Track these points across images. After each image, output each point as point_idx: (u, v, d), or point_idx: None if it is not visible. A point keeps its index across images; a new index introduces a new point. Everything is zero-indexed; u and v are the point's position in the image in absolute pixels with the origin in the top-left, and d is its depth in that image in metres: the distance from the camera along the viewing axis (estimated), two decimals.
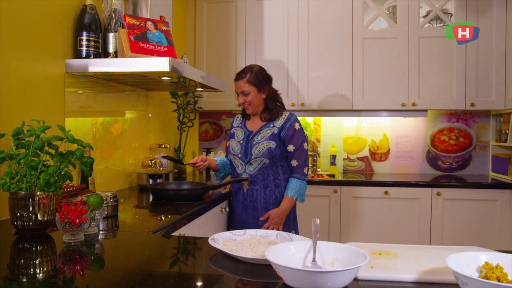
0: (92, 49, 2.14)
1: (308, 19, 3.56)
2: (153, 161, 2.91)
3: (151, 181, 2.67)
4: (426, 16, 3.48)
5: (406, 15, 3.43)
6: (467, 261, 1.04)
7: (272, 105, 2.44)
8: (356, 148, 3.91)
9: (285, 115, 2.43)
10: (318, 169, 3.88)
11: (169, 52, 2.25)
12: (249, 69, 2.42)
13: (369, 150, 3.88)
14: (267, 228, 2.36)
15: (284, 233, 1.43)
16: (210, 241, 1.32)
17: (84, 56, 2.13)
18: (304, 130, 2.49)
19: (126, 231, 1.69)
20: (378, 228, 3.24)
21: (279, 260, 1.02)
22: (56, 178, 1.49)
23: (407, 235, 3.20)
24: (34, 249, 1.41)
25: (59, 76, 2.07)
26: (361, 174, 3.74)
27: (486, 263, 1.03)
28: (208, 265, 1.24)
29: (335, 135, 3.92)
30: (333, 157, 3.85)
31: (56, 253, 1.37)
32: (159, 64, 2.01)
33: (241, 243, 1.35)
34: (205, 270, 1.22)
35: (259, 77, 2.39)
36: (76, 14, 2.16)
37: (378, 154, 3.87)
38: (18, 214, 1.45)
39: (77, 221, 1.39)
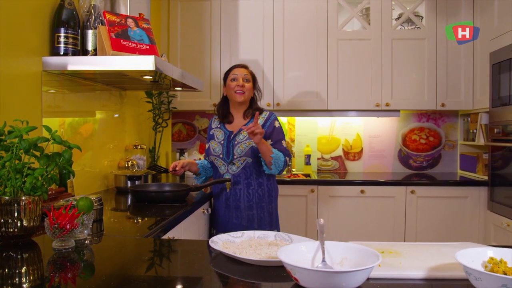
0: (71, 46, 2.05)
1: (283, 19, 3.57)
2: (129, 163, 2.83)
3: (129, 183, 2.58)
4: (398, 18, 3.57)
5: (380, 17, 3.50)
6: (473, 256, 1.06)
7: (256, 105, 2.54)
8: (330, 147, 3.96)
9: (265, 114, 2.49)
10: (293, 169, 3.90)
11: (151, 50, 2.19)
12: (248, 66, 2.54)
13: (343, 149, 3.94)
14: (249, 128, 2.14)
15: (283, 233, 1.42)
16: (212, 244, 1.29)
17: (62, 53, 2.03)
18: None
19: (117, 236, 1.63)
20: (355, 226, 3.29)
21: (291, 262, 1.01)
22: (43, 181, 1.41)
23: (382, 232, 3.27)
24: (20, 257, 1.33)
25: (36, 74, 1.96)
26: (335, 174, 3.79)
27: (491, 258, 1.06)
28: (212, 268, 1.21)
29: (309, 135, 3.95)
30: (308, 156, 3.88)
31: (45, 261, 1.30)
32: (144, 63, 1.95)
33: (241, 244, 1.33)
34: (212, 274, 1.18)
35: (255, 76, 2.53)
36: (53, 9, 2.06)
37: (351, 154, 3.94)
38: (2, 220, 1.36)
39: (68, 226, 1.33)
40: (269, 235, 1.43)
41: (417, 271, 1.10)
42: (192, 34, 3.66)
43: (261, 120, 2.45)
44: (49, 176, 1.43)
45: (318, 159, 3.95)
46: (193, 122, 4.07)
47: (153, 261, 1.32)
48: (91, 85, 2.51)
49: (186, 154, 3.84)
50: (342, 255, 1.12)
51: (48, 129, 1.45)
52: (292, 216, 3.29)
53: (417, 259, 1.19)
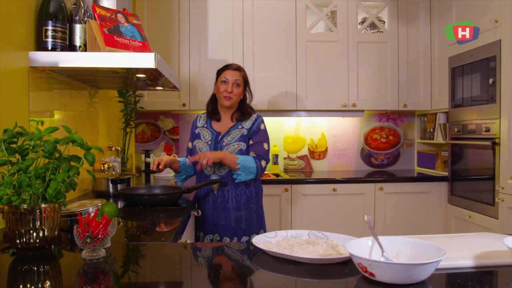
0: (59, 41, 1.90)
1: (252, 20, 3.58)
2: (105, 165, 2.68)
3: (111, 186, 2.45)
4: (362, 22, 3.73)
5: (346, 20, 3.64)
6: None
7: (245, 106, 2.50)
8: (296, 147, 4.03)
9: (253, 116, 2.50)
10: None
11: (144, 47, 2.09)
12: (242, 68, 2.49)
13: (308, 149, 4.03)
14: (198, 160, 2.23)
15: (315, 231, 1.44)
16: (257, 245, 1.28)
17: (50, 48, 1.88)
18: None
19: (132, 243, 1.54)
20: (327, 223, 3.39)
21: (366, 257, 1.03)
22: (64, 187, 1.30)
23: (353, 227, 3.38)
24: (42, 270, 1.21)
25: (22, 71, 1.79)
26: (301, 173, 3.87)
27: None
28: (261, 269, 1.19)
29: (275, 134, 3.99)
30: (276, 156, 3.92)
31: (74, 272, 1.19)
32: (144, 60, 1.85)
33: (280, 244, 1.33)
34: (279, 277, 1.16)
35: (247, 79, 2.49)
36: (39, 0, 1.90)
37: (316, 153, 4.04)
38: (23, 231, 1.24)
39: (100, 235, 1.24)
40: (302, 233, 1.44)
41: (466, 260, 1.16)
42: (159, 34, 3.54)
43: (248, 122, 2.45)
44: (69, 181, 1.32)
45: (285, 158, 4.01)
46: (157, 123, 3.95)
47: (196, 265, 1.28)
48: (69, 83, 2.34)
49: (152, 155, 3.71)
50: (396, 248, 1.16)
51: (68, 130, 1.34)
52: (266, 215, 3.30)
53: (456, 249, 1.26)
